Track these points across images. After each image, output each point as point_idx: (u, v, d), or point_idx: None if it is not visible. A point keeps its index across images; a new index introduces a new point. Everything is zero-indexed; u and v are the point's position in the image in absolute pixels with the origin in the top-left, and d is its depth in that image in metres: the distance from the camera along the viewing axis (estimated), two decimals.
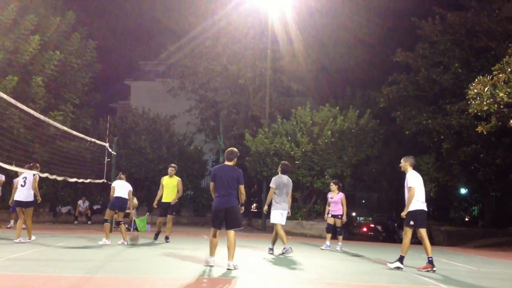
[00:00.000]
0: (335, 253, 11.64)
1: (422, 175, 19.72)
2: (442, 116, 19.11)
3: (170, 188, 12.37)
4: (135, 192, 19.10)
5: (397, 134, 22.02)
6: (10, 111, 17.02)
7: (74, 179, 13.97)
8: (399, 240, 19.70)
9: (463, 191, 23.81)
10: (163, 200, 12.40)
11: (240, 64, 24.00)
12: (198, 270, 7.86)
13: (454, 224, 22.36)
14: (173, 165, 12.86)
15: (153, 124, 23.05)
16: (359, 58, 26.27)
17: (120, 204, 11.55)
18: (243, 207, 8.82)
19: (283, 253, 10.40)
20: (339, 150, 19.22)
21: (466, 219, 24.51)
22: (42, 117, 11.86)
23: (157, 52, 28.23)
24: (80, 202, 20.08)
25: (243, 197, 8.28)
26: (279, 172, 10.88)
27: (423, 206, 8.82)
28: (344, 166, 18.95)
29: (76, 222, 19.65)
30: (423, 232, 8.80)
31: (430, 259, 8.78)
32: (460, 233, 20.32)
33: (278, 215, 10.60)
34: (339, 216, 12.42)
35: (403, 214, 8.78)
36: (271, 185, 10.71)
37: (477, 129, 14.79)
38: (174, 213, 12.68)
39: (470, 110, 14.64)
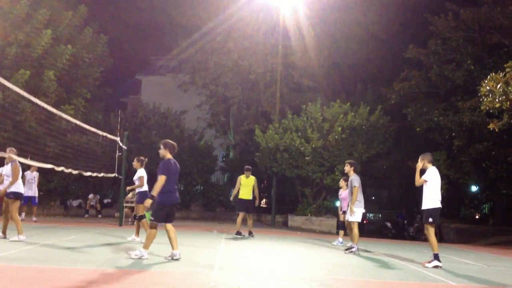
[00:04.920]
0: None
1: None
2: (453, 113, 18.99)
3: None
4: None
5: (408, 130, 21.89)
6: (22, 105, 17.16)
7: (88, 173, 14.05)
8: (409, 237, 19.66)
9: (474, 188, 23.66)
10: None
11: (251, 59, 23.94)
12: (212, 263, 7.90)
13: (465, 222, 22.24)
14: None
15: (163, 119, 23.09)
16: (371, 53, 26.06)
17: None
18: None
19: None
20: (349, 146, 19.16)
21: (477, 217, 24.34)
22: (55, 110, 11.91)
23: (169, 47, 28.22)
24: (90, 196, 20.22)
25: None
26: None
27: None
28: None
29: (86, 215, 19.78)
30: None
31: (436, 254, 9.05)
32: (470, 231, 20.21)
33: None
34: None
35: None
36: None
37: (489, 126, 14.71)
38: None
39: (482, 107, 14.59)
